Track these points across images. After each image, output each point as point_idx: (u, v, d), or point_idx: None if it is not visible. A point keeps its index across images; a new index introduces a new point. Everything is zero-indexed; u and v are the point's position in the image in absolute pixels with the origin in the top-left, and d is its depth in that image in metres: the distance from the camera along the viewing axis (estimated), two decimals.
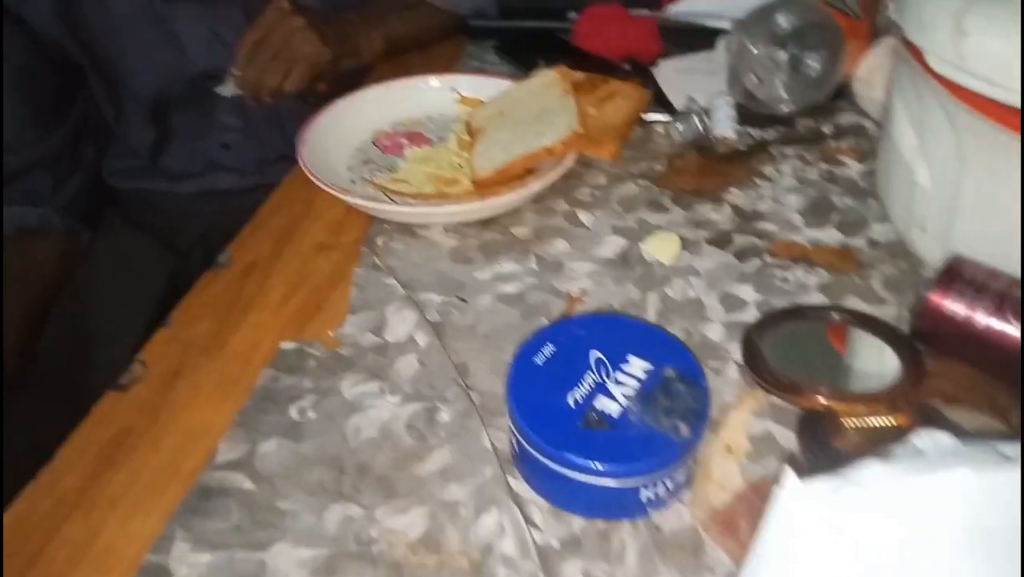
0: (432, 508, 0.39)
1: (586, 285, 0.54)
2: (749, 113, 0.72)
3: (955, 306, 0.44)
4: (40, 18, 0.81)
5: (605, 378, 0.40)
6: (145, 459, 0.43)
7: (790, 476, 0.25)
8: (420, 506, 0.39)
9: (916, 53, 0.49)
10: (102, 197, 0.96)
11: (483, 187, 0.62)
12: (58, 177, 0.88)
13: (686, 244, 0.57)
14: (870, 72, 0.69)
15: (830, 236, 0.58)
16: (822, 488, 0.25)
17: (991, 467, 0.24)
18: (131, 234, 0.96)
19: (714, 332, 0.50)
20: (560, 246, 0.58)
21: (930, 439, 0.27)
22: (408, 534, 0.38)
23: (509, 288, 0.54)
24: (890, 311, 0.51)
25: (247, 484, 0.41)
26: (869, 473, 0.25)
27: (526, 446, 0.38)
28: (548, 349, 0.42)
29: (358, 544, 0.37)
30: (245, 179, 0.95)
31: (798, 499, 0.25)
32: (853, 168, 0.66)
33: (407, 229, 0.60)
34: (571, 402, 0.39)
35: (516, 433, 0.39)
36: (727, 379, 0.46)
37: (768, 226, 0.59)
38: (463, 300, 0.53)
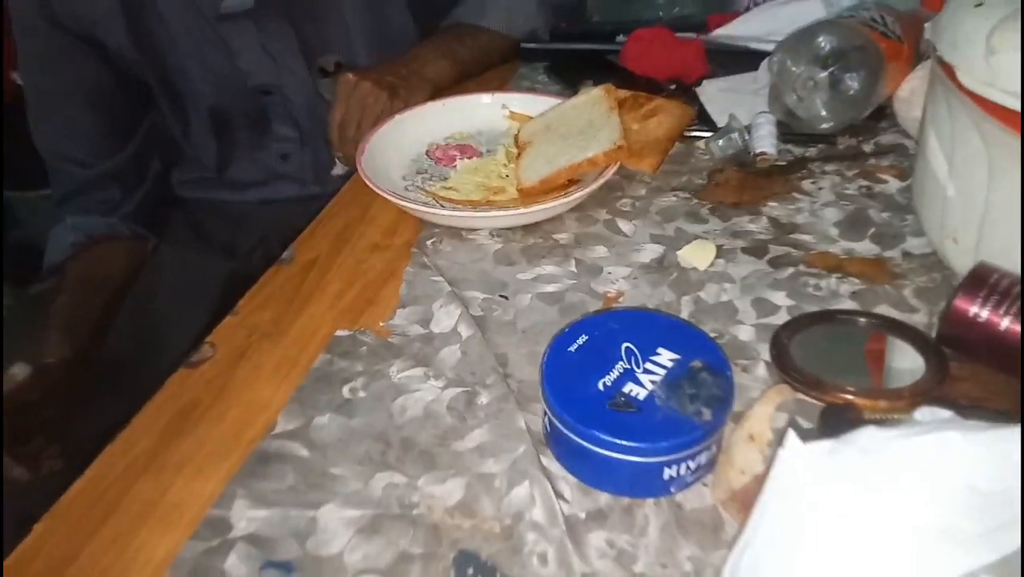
0: (469, 479, 0.42)
1: (623, 287, 0.57)
2: (790, 131, 0.74)
3: (979, 311, 0.45)
4: (113, 36, 0.87)
5: (634, 367, 0.43)
6: (210, 429, 0.47)
7: (792, 438, 0.27)
8: (458, 477, 0.42)
9: (949, 71, 0.51)
10: (168, 205, 1.04)
11: (528, 195, 0.66)
12: (127, 188, 0.97)
13: (722, 252, 0.60)
14: (911, 93, 0.71)
15: (864, 248, 0.60)
16: (820, 449, 0.27)
17: (980, 432, 0.26)
18: (194, 239, 1.03)
19: (745, 333, 0.52)
20: (599, 251, 0.61)
21: (930, 412, 0.29)
22: (446, 500, 0.41)
23: (549, 288, 0.57)
24: (921, 319, 0.52)
25: (302, 451, 0.44)
26: (865, 436, 0.27)
27: (557, 424, 0.41)
28: (582, 339, 0.45)
29: (400, 507, 0.41)
30: (305, 188, 1.01)
31: (798, 459, 0.27)
32: (892, 185, 0.67)
33: (455, 233, 0.64)
34: (600, 386, 0.41)
35: (548, 412, 0.42)
36: (755, 376, 0.48)
37: (804, 237, 0.61)
38: (504, 297, 0.56)
